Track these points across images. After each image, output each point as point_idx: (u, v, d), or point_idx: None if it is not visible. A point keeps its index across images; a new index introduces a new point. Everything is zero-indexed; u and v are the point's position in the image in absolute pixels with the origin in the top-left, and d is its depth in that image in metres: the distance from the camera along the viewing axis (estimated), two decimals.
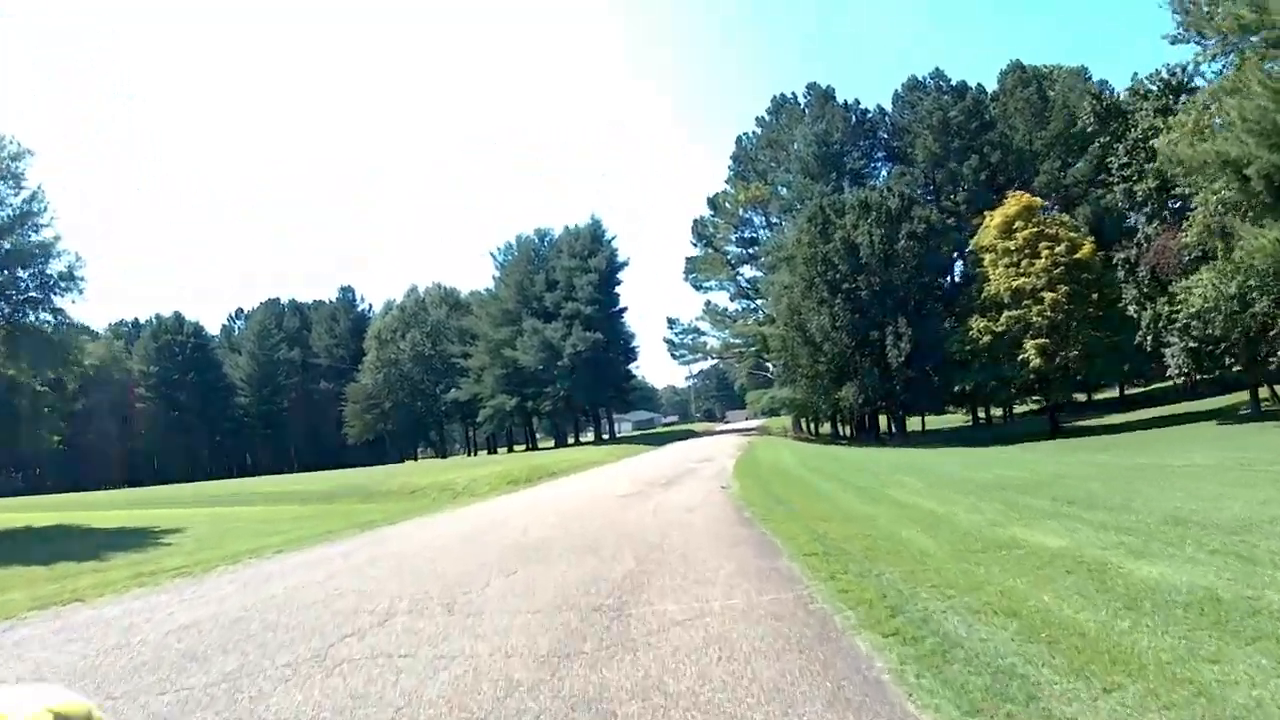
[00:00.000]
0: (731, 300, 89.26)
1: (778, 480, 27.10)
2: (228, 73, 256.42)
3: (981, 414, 72.40)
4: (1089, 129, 55.06)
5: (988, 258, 54.72)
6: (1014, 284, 52.15)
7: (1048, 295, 50.54)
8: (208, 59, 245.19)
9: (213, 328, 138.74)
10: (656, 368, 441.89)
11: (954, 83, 75.88)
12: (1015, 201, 55.54)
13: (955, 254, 61.53)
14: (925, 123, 70.15)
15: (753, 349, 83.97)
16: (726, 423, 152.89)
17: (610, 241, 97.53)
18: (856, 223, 55.94)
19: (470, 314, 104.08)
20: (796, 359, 57.29)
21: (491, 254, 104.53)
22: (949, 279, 57.20)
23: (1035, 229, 53.65)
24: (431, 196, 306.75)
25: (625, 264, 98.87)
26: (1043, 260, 51.98)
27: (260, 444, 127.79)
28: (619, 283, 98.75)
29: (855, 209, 56.93)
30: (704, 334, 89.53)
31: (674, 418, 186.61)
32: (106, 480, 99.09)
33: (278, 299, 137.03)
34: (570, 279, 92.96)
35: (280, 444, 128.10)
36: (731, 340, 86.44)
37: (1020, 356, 50.73)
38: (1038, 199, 56.86)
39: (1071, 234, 53.58)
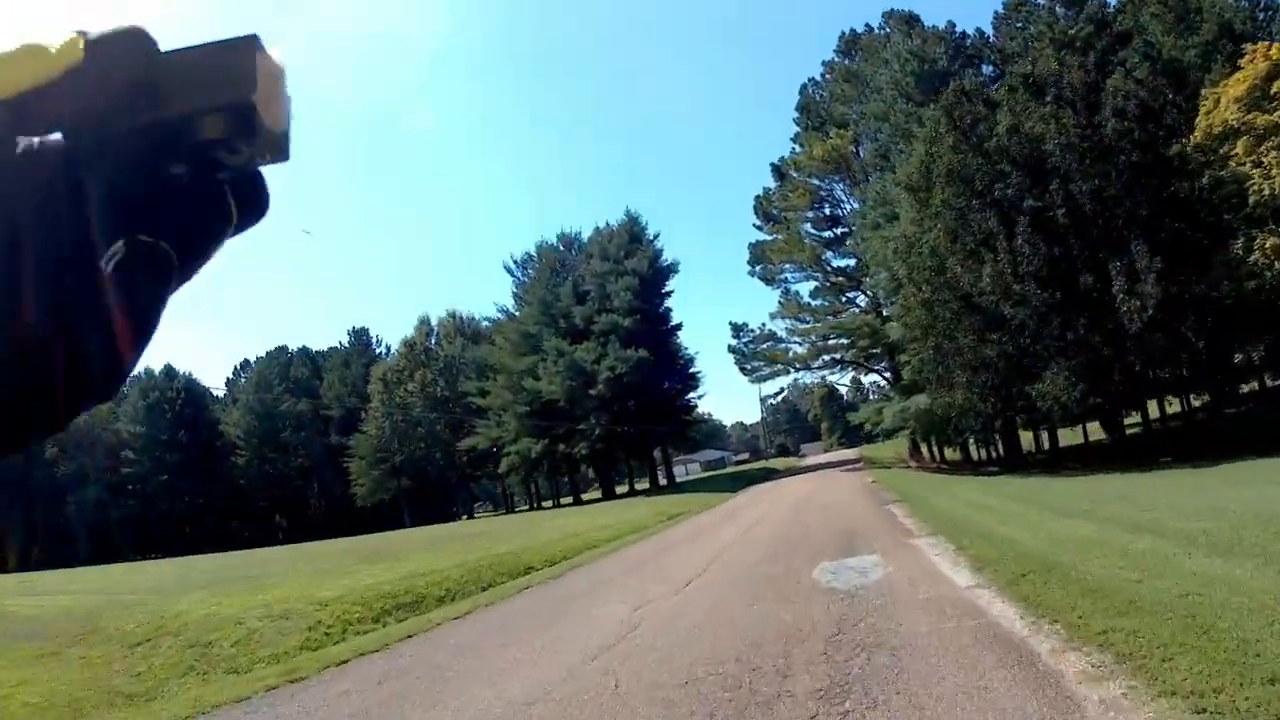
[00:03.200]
0: (814, 298, 66.32)
1: None
2: None
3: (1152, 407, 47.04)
4: None
5: (1239, 145, 31.38)
6: None
7: None
8: None
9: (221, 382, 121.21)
10: (724, 404, 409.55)
11: None
12: (1259, 55, 32.50)
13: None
14: (1044, 39, 46.28)
15: (850, 350, 61.03)
16: (803, 457, 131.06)
17: (653, 240, 75.55)
18: (1022, 111, 33.11)
19: (492, 344, 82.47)
20: (951, 338, 34.02)
21: (507, 267, 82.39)
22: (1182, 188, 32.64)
23: None
24: (446, 211, 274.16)
25: (674, 268, 76.87)
26: None
27: (269, 508, 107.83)
28: (668, 293, 76.85)
29: (1017, 90, 34.04)
30: (782, 341, 66.36)
31: (745, 455, 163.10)
32: (91, 555, 79.29)
33: (285, 347, 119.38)
34: (602, 287, 71.09)
35: (295, 506, 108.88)
36: (824, 341, 62.71)
37: None
38: None
39: None
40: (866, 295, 61.63)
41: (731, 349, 67.81)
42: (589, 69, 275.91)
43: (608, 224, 77.46)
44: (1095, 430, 51.31)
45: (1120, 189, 30.13)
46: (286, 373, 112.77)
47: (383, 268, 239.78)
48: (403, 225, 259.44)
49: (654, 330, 71.01)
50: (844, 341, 60.65)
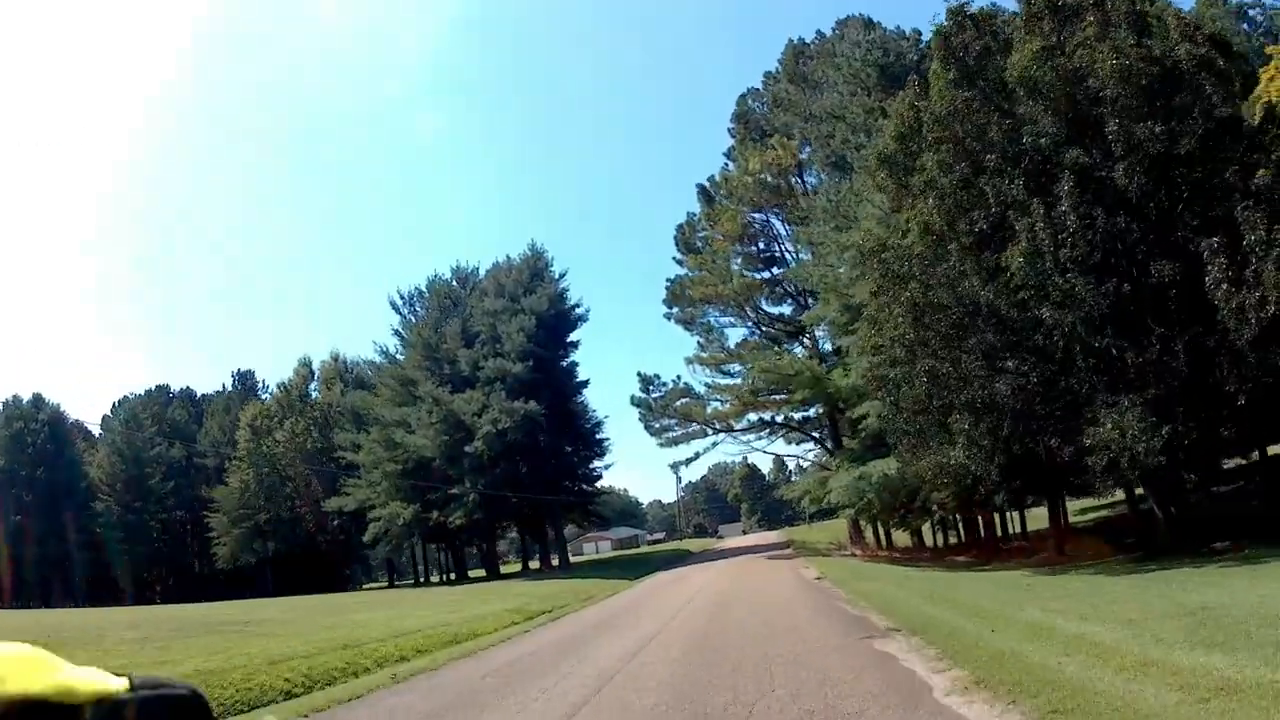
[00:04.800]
0: (742, 350, 54.65)
1: None
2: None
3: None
4: None
5: None
6: None
7: None
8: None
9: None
10: (642, 481, 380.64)
11: None
12: None
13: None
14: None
15: (785, 406, 49.36)
16: (721, 538, 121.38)
17: (558, 279, 64.46)
18: (1052, 44, 22.03)
19: (372, 392, 69.81)
20: (954, 362, 21.25)
21: (394, 303, 69.83)
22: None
23: None
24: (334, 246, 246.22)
25: (582, 316, 66.21)
26: None
27: (123, 563, 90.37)
28: (573, 343, 65.91)
29: (1042, 18, 23.00)
30: (699, 396, 54.38)
31: (660, 534, 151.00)
32: None
33: (166, 386, 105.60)
34: (494, 327, 59.30)
35: (150, 563, 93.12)
36: (753, 396, 50.19)
37: None
38: None
39: None
40: (805, 346, 50.72)
41: (637, 402, 54.89)
42: (506, 91, 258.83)
43: (508, 258, 66.55)
44: (1075, 510, 39.99)
45: (1199, 141, 18.97)
46: (164, 414, 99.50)
47: (275, 306, 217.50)
48: (296, 256, 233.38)
49: (552, 383, 59.56)
50: (776, 398, 48.63)
